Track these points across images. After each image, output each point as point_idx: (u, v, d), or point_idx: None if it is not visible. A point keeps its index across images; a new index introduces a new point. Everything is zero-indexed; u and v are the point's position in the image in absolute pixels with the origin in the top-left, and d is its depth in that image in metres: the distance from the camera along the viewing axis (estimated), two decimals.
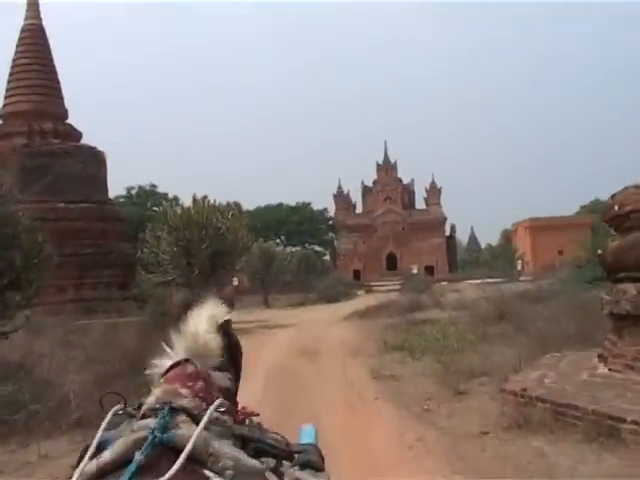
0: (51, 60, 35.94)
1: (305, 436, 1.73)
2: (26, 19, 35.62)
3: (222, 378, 1.68)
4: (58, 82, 36.15)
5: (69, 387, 10.37)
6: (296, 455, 1.57)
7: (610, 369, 8.36)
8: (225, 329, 1.75)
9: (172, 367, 1.60)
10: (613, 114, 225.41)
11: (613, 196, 8.81)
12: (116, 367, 12.30)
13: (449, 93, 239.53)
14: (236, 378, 1.81)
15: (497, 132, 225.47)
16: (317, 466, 1.55)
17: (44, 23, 36.12)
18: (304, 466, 1.53)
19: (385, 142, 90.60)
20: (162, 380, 1.58)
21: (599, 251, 8.90)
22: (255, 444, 1.48)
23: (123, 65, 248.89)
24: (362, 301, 38.64)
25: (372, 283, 66.47)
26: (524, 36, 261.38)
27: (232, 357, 1.80)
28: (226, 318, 1.77)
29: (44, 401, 9.67)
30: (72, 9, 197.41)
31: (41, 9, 36.10)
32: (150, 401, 1.47)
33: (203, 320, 1.70)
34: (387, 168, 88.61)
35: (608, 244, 8.61)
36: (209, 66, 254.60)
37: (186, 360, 1.61)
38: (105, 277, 31.65)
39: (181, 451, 1.28)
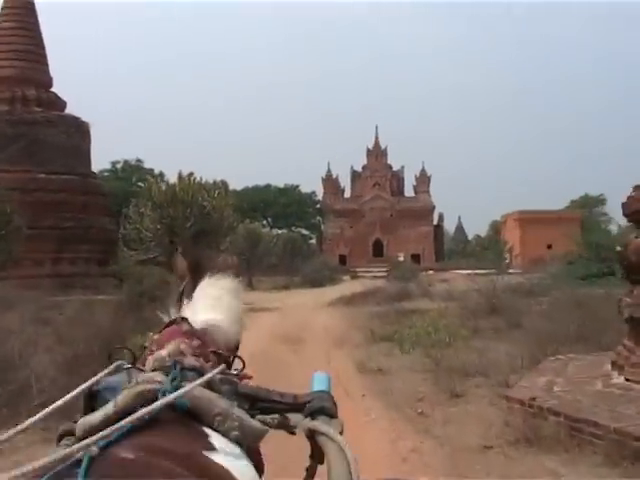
0: (37, 25, 34.71)
1: (318, 383, 1.67)
2: None
3: (223, 333, 1.76)
4: (43, 48, 34.95)
5: (33, 369, 9.57)
6: (307, 405, 1.54)
7: (627, 379, 7.56)
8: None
9: (168, 325, 1.69)
10: (605, 105, 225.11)
11: (637, 187, 7.97)
12: (87, 348, 11.53)
13: (442, 81, 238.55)
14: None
15: (486, 123, 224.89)
16: (331, 413, 1.51)
17: None
18: (317, 412, 1.50)
19: (376, 127, 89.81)
20: (156, 336, 1.64)
21: (618, 248, 8.07)
22: (262, 403, 1.51)
23: (114, 40, 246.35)
24: (348, 287, 38.48)
25: (358, 269, 66.34)
26: (521, 27, 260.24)
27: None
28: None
29: (5, 384, 8.84)
30: None
31: None
32: (160, 356, 1.49)
33: (226, 287, 1.85)
34: (377, 154, 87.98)
35: (630, 240, 7.77)
36: (201, 39, 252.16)
37: (183, 319, 1.68)
38: (84, 252, 30.88)
39: (191, 413, 1.30)
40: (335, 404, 1.56)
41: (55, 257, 30.04)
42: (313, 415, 1.49)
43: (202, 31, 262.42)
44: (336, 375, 11.99)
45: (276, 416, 1.52)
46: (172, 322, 1.68)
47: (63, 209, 30.39)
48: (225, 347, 1.79)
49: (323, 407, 1.51)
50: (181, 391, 1.29)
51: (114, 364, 1.52)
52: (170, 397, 1.26)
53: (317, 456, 1.48)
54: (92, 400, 1.42)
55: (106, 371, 1.48)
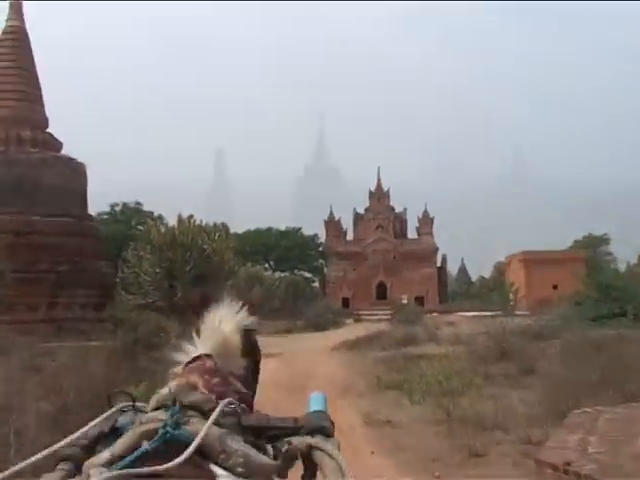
0: (33, 65, 34.35)
1: (314, 404, 1.60)
2: (8, 20, 33.92)
3: (239, 384, 1.68)
4: (39, 88, 34.55)
5: (14, 425, 8.86)
6: (305, 424, 1.50)
7: None
8: (248, 337, 1.81)
9: (193, 360, 1.64)
10: (610, 145, 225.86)
11: None
12: (78, 398, 10.96)
13: (445, 123, 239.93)
14: (252, 392, 1.85)
15: (489, 164, 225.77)
16: (328, 432, 1.47)
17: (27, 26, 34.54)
18: (315, 431, 1.46)
19: (378, 169, 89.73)
20: (181, 372, 1.62)
21: None
22: (268, 432, 1.49)
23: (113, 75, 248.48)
24: (351, 330, 37.99)
25: (361, 312, 65.72)
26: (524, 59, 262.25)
27: (252, 368, 1.86)
28: (251, 327, 1.82)
29: None
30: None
31: (25, 10, 34.51)
32: (162, 394, 1.47)
33: (227, 320, 1.74)
34: (380, 196, 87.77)
35: None
36: (202, 78, 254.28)
37: (207, 355, 1.64)
38: (80, 297, 30.11)
39: (197, 449, 1.29)
40: (333, 423, 1.52)
41: (50, 301, 29.31)
42: (311, 434, 1.45)
43: (205, 70, 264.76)
44: (340, 428, 11.23)
45: (285, 445, 1.43)
46: (196, 358, 1.64)
47: (58, 252, 29.67)
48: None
49: (321, 426, 1.48)
50: (197, 440, 1.27)
51: (117, 406, 1.49)
52: (193, 445, 1.26)
53: (309, 477, 1.45)
54: (102, 438, 1.39)
55: (109, 413, 1.46)
